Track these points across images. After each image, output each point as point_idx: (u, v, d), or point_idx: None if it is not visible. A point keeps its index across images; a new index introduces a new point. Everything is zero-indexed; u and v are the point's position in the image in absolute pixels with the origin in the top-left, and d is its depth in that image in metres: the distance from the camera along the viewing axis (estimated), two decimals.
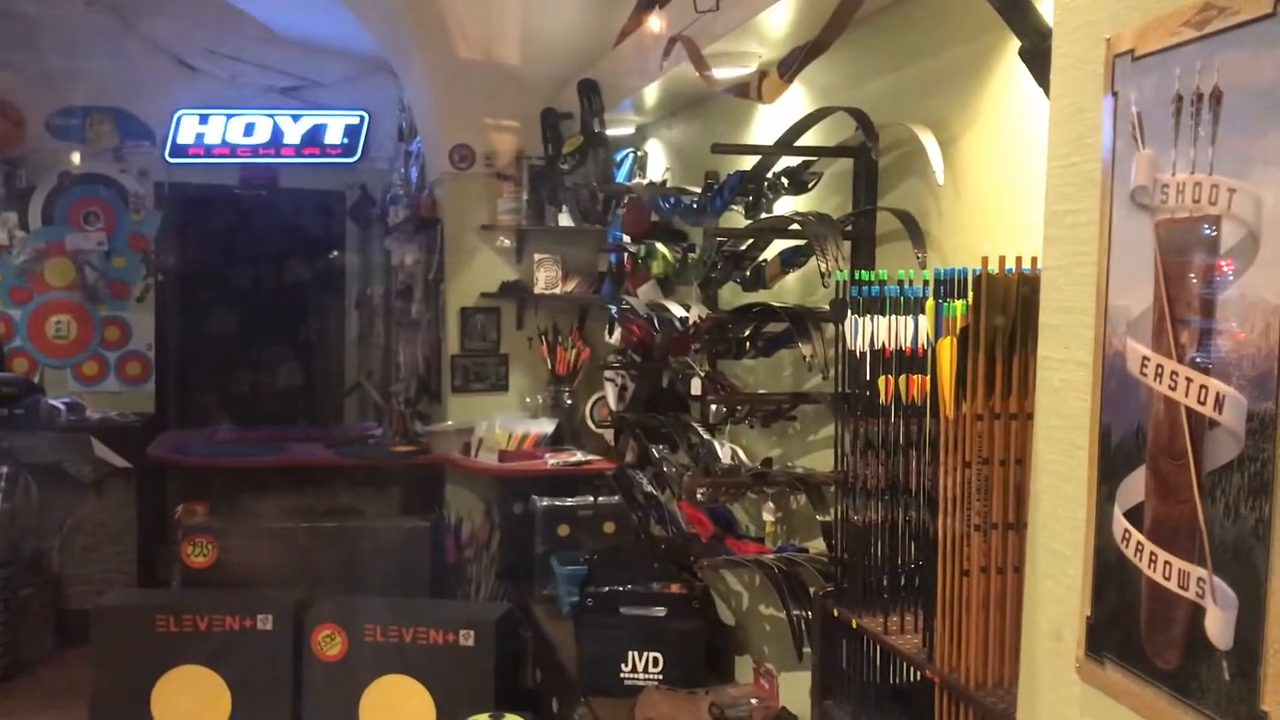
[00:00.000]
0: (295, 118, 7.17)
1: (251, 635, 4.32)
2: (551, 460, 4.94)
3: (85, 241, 6.92)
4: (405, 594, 4.58)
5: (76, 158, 6.95)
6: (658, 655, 3.50)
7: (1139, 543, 1.10)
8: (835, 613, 2.20)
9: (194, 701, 4.28)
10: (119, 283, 7.10)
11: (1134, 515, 1.12)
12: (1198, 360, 1.02)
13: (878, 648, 2.11)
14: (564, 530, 4.49)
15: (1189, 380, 1.03)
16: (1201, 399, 1.01)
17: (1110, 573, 1.15)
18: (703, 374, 3.41)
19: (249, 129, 7.12)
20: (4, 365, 6.66)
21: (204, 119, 7.05)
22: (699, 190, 3.43)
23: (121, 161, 7.05)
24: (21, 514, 5.67)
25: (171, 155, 7.04)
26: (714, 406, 3.44)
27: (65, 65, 6.61)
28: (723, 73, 3.04)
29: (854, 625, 2.12)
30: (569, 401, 5.29)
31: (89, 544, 5.94)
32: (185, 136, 7.05)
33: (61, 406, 6.14)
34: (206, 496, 5.04)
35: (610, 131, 4.62)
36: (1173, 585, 1.05)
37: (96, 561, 5.94)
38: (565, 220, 5.21)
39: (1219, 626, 0.99)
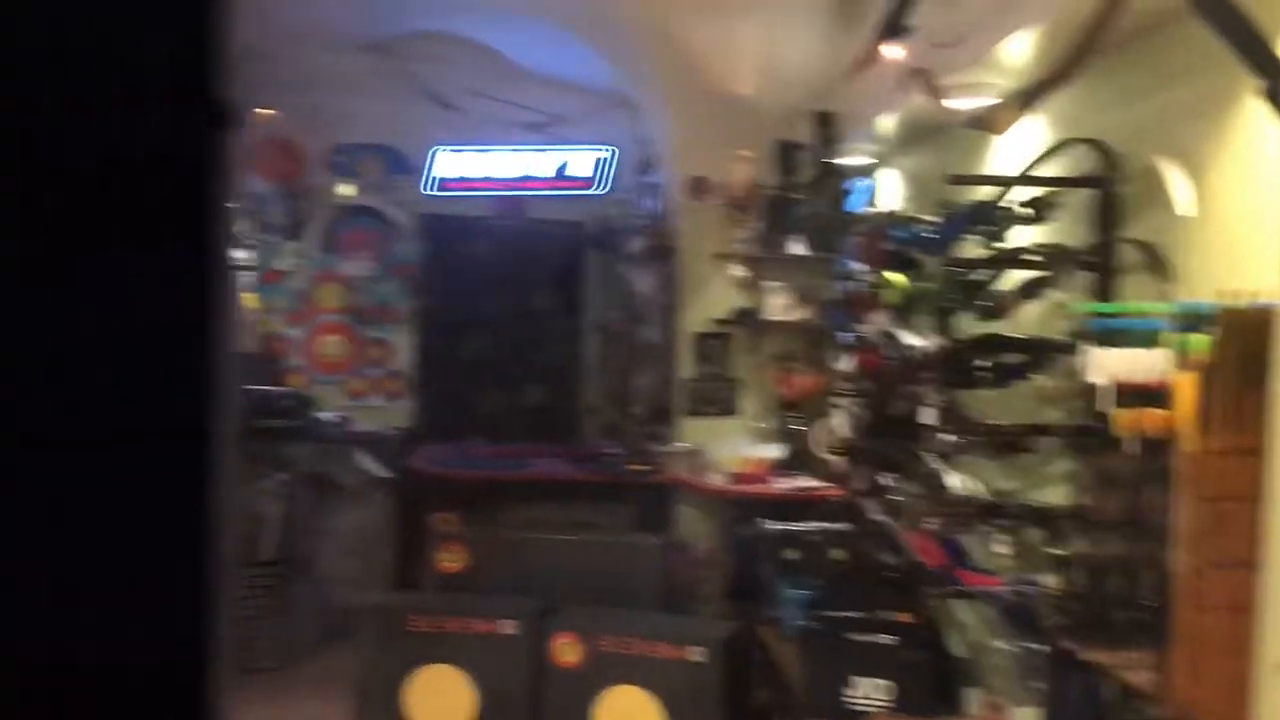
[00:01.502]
0: (544, 152, 7.54)
1: (496, 639, 4.55)
2: (780, 485, 5.00)
3: (355, 268, 7.53)
4: (636, 608, 4.73)
5: (347, 191, 7.55)
6: (884, 682, 3.51)
7: None
8: (1067, 647, 2.18)
9: (443, 699, 4.56)
10: (384, 306, 7.67)
11: None
12: None
13: (1110, 683, 2.09)
14: (792, 554, 4.53)
15: None
16: None
17: None
18: (936, 403, 3.41)
19: (501, 163, 7.55)
20: (282, 382, 7.29)
21: (460, 154, 7.54)
22: (933, 219, 3.44)
23: (387, 194, 7.62)
24: (293, 518, 6.20)
25: (431, 189, 7.55)
26: (946, 436, 3.43)
27: (339, 105, 7.20)
28: (958, 104, 3.06)
29: (1086, 661, 2.10)
30: (799, 427, 5.33)
31: (351, 547, 6.41)
32: (443, 170, 7.54)
33: (331, 420, 6.66)
34: (458, 506, 5.34)
35: (843, 161, 4.67)
36: None
37: (357, 563, 6.42)
38: (798, 249, 5.28)
39: None
